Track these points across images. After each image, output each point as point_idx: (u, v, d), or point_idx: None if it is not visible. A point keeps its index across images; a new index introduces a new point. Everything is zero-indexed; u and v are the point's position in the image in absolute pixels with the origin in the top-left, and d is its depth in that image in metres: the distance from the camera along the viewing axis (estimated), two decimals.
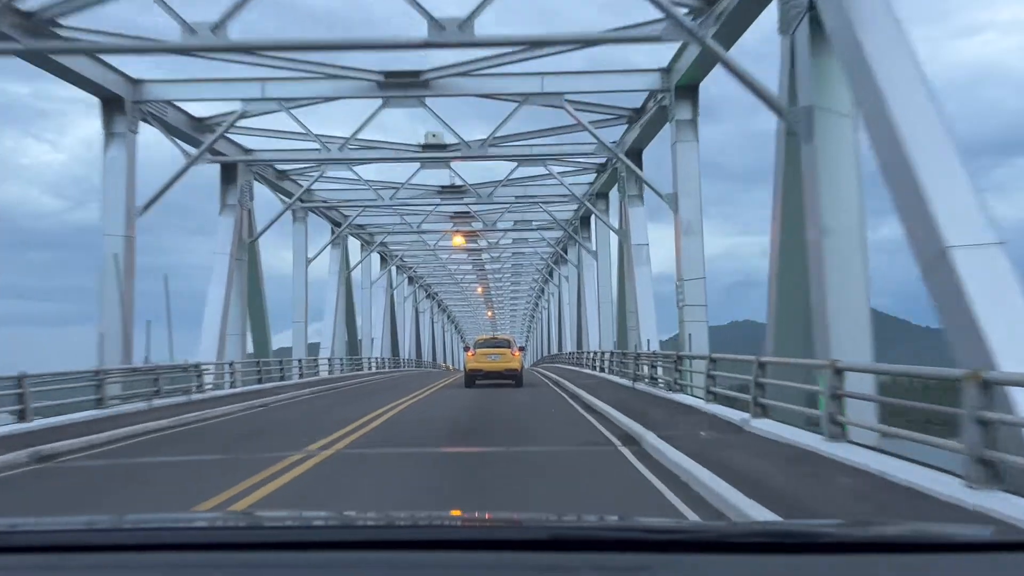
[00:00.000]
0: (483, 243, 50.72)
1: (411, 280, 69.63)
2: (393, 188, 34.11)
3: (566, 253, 49.25)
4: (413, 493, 8.33)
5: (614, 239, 33.85)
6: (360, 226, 45.38)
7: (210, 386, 24.38)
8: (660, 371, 19.30)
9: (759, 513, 6.26)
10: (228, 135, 26.39)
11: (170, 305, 22.72)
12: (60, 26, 16.30)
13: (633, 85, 21.37)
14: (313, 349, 41.33)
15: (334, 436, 13.10)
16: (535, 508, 7.55)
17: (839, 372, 9.10)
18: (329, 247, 42.74)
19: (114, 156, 20.12)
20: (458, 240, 42.12)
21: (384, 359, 54.24)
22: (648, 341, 22.69)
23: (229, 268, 27.07)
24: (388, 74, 20.63)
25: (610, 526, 1.96)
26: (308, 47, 17.56)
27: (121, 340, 19.77)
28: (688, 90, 20.19)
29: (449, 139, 28.32)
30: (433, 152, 28.72)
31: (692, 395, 16.27)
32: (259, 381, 27.34)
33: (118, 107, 20.03)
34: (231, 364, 25.17)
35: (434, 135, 28.39)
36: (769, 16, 13.99)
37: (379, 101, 21.99)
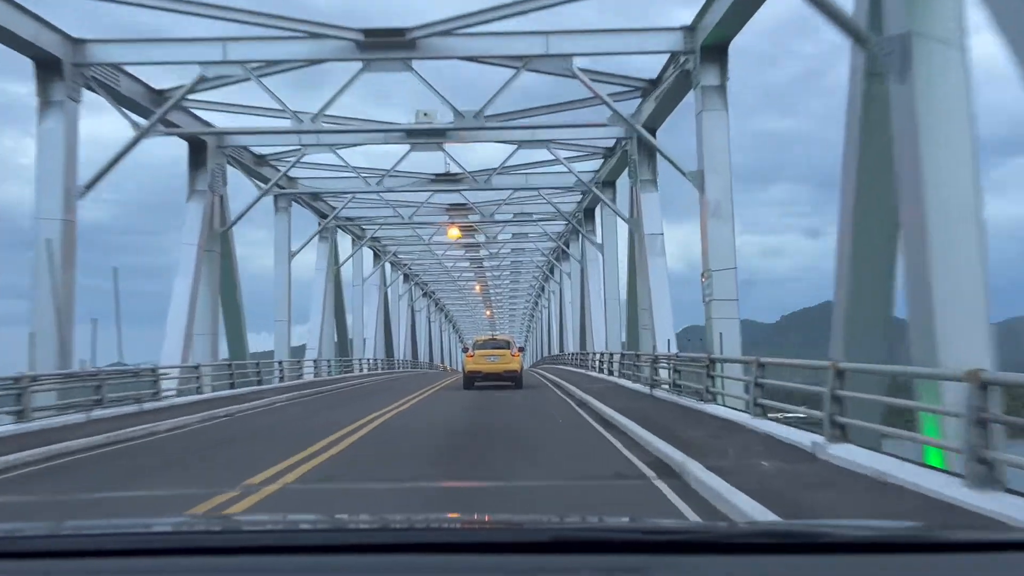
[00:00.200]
0: (481, 237, 47.93)
1: (406, 278, 66.90)
2: (382, 175, 31.33)
3: (568, 248, 46.52)
4: None
5: (623, 231, 31.21)
6: (349, 219, 42.66)
7: (173, 392, 21.66)
8: (678, 376, 16.60)
9: None
10: (195, 111, 23.69)
11: (119, 301, 19.92)
12: None
13: (652, 46, 18.65)
14: (300, 352, 38.67)
15: (290, 461, 10.40)
16: None
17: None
18: (316, 240, 40.10)
19: (51, 128, 17.36)
20: (454, 233, 39.32)
21: (377, 361, 51.49)
22: (669, 341, 19.97)
23: (197, 260, 24.33)
24: (369, 32, 18.30)
25: (611, 527, 1.93)
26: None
27: (56, 341, 17.02)
28: (715, 51, 17.46)
29: (443, 117, 25.70)
30: (422, 135, 26.08)
31: (729, 406, 13.57)
32: (231, 386, 24.60)
33: (56, 71, 17.29)
34: (197, 367, 22.39)
35: (425, 114, 25.70)
36: None
37: (359, 65, 19.15)
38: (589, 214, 40.21)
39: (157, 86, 20.93)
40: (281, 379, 29.49)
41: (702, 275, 17.27)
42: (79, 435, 13.01)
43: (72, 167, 17.62)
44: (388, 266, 58.60)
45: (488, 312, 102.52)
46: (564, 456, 10.63)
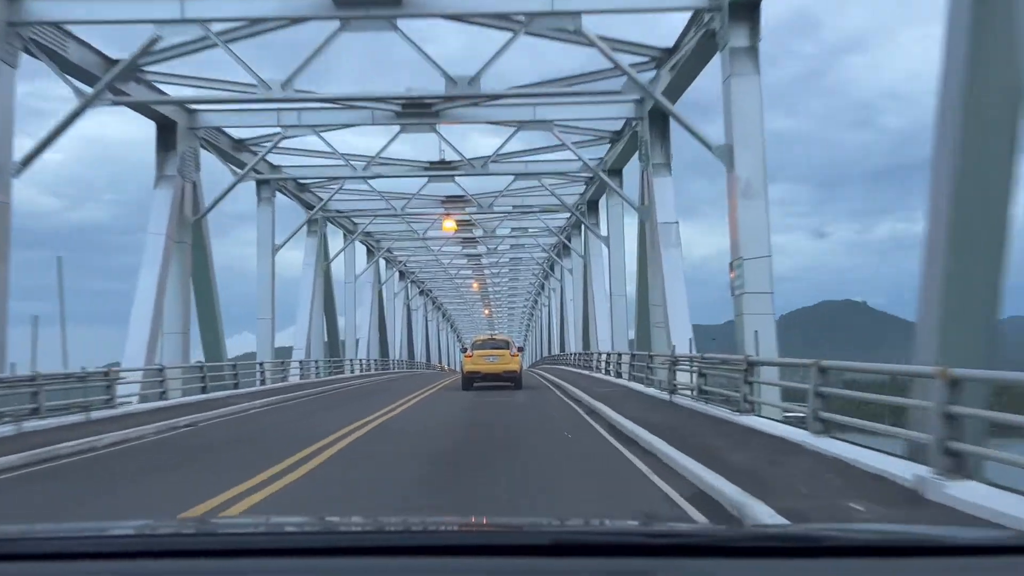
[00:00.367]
0: (478, 232, 45.65)
1: (402, 275, 64.65)
2: (369, 160, 29.03)
3: (570, 242, 44.28)
4: None
5: (631, 223, 29.06)
6: (340, 212, 40.42)
7: (135, 399, 19.45)
8: (704, 381, 14.39)
9: None
10: (160, 85, 21.41)
11: (63, 296, 17.70)
12: None
13: (672, 3, 16.39)
14: (289, 354, 36.45)
15: (243, 487, 8.26)
16: None
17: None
18: (304, 235, 37.87)
19: None
20: (449, 225, 37.01)
21: (371, 361, 49.25)
22: (691, 341, 17.71)
23: (165, 252, 22.08)
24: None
25: (612, 530, 1.92)
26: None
27: None
28: (745, 8, 15.20)
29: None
30: (414, 114, 23.85)
31: (770, 418, 11.35)
32: (203, 390, 22.34)
33: None
34: (161, 370, 20.12)
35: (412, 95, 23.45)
36: None
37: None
38: (593, 206, 38.01)
39: (114, 56, 18.66)
40: (262, 382, 27.24)
41: (730, 265, 15.04)
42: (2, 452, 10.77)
43: (7, 140, 15.33)
44: (383, 263, 56.36)
45: (486, 311, 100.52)
46: (581, 490, 8.35)
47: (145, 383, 20.10)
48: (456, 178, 32.40)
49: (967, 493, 6.10)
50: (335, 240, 43.36)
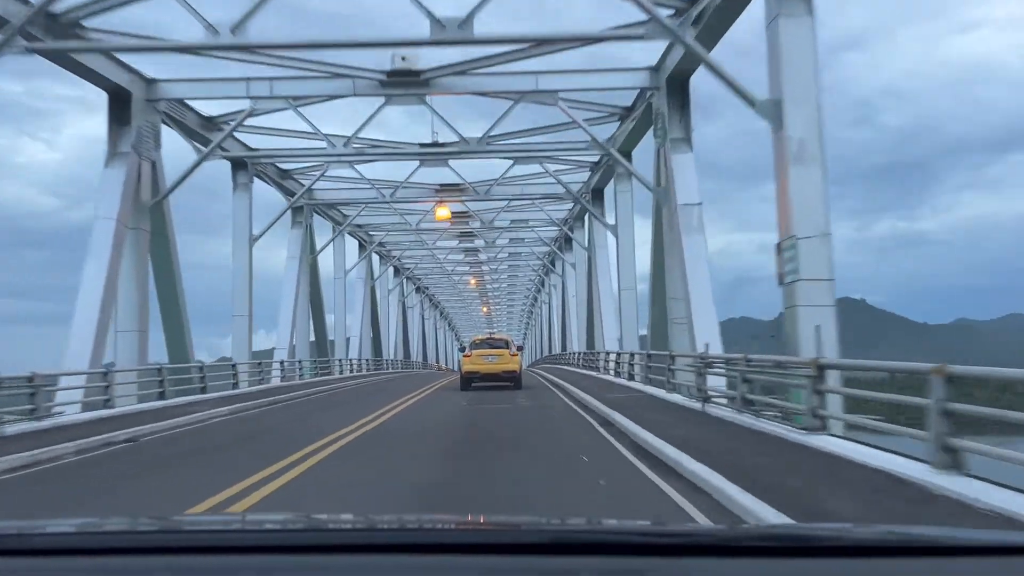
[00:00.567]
0: (476, 223, 42.95)
1: (397, 271, 61.92)
2: (350, 136, 26.26)
3: (572, 233, 41.62)
4: None
5: (641, 210, 26.42)
6: (328, 203, 37.72)
7: (75, 408, 16.77)
8: (748, 387, 11.71)
9: None
10: (110, 49, 18.70)
11: None
12: None
13: None
14: (271, 354, 33.77)
15: None
16: None
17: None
18: (288, 228, 35.18)
19: None
20: (443, 212, 34.25)
21: (363, 361, 46.56)
22: (707, 345, 14.97)
23: (115, 239, 19.36)
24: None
25: (611, 529, 1.90)
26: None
27: None
28: None
29: (423, 63, 20.90)
30: (400, 83, 21.19)
31: (854, 440, 8.67)
32: (162, 396, 19.65)
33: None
34: (105, 374, 17.36)
35: (403, 58, 20.82)
36: None
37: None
38: (598, 195, 35.34)
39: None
40: (234, 386, 24.51)
41: (778, 247, 12.34)
42: None
43: None
44: (377, 258, 53.64)
45: (485, 309, 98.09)
46: None
47: (89, 389, 17.40)
48: (450, 162, 29.76)
49: None
50: (325, 235, 40.70)
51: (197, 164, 22.17)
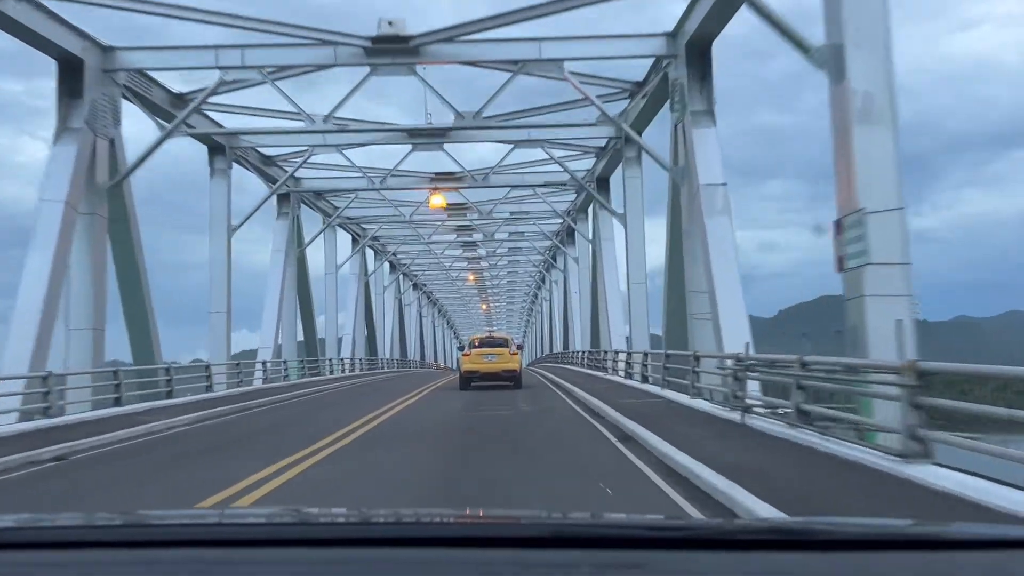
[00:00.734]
0: (473, 215, 40.72)
1: (393, 267, 59.69)
2: (343, 122, 24.02)
3: (575, 224, 39.40)
4: None
5: (652, 202, 24.22)
6: (317, 193, 35.51)
7: (9, 417, 14.58)
8: (804, 397, 9.50)
9: None
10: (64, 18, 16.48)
11: None
12: None
13: None
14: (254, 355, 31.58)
15: None
16: None
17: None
18: (274, 216, 32.98)
19: None
20: (437, 200, 31.99)
21: (356, 361, 44.34)
22: (748, 345, 12.75)
23: (64, 224, 17.12)
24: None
25: (611, 523, 1.89)
26: None
27: None
28: None
29: (412, 29, 18.71)
30: (387, 51, 18.99)
31: (971, 473, 6.45)
32: (117, 402, 17.42)
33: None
34: (45, 378, 15.10)
35: (390, 23, 18.62)
36: None
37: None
38: (603, 184, 33.11)
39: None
40: (208, 389, 22.26)
41: (837, 225, 10.11)
42: None
43: None
44: (372, 253, 51.41)
45: (484, 306, 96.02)
46: None
47: (27, 395, 15.18)
48: (446, 146, 27.55)
49: None
50: (315, 227, 38.44)
51: (160, 141, 19.83)
